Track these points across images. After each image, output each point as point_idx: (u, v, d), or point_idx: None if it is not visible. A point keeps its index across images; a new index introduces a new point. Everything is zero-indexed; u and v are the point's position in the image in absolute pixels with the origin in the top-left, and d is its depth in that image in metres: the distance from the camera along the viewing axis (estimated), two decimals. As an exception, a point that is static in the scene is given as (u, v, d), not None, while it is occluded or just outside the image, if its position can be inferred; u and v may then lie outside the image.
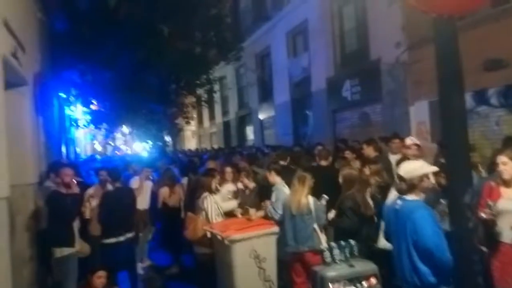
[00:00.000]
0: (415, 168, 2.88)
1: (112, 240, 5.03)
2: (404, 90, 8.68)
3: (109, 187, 5.38)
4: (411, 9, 7.58)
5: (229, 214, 5.33)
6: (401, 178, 2.91)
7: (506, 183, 3.24)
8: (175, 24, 9.83)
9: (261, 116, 17.09)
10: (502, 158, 3.21)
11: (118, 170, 5.55)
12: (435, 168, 3.01)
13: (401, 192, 2.91)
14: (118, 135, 24.33)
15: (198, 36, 10.83)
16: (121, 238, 5.07)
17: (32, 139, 5.30)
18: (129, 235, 5.18)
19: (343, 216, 4.16)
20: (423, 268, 2.68)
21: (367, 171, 4.83)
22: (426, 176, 2.85)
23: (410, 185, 2.83)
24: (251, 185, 5.69)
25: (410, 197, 2.86)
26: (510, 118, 6.69)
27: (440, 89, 2.10)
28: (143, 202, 6.45)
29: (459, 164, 2.06)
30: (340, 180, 4.39)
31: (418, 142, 5.69)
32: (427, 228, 2.60)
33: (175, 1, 9.57)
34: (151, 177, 7.06)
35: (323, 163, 5.86)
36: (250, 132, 19.11)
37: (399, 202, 2.92)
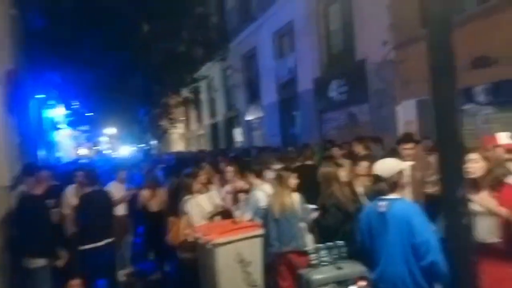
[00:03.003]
0: (392, 165, 2.78)
1: (90, 245, 4.79)
2: (391, 90, 8.62)
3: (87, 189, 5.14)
4: (398, 7, 7.50)
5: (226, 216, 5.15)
6: (378, 178, 2.78)
7: (475, 183, 3.09)
8: (159, 23, 9.63)
9: (249, 117, 16.94)
10: (473, 156, 3.07)
11: (95, 172, 5.30)
12: (410, 164, 2.93)
13: (383, 192, 2.77)
14: (103, 138, 23.90)
15: (184, 35, 10.63)
16: (100, 243, 4.84)
17: (4, 140, 5.03)
18: (108, 240, 4.93)
19: (327, 213, 4.04)
20: (419, 273, 2.56)
21: (360, 169, 4.73)
22: (403, 172, 2.75)
23: (391, 184, 2.71)
24: (246, 186, 5.51)
25: (393, 195, 2.73)
26: (498, 116, 6.65)
27: (433, 86, 1.99)
28: (120, 207, 6.21)
29: (451, 159, 1.93)
30: (319, 178, 4.27)
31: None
32: (424, 228, 2.48)
33: (159, 0, 9.39)
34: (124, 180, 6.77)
35: (308, 162, 5.76)
36: (238, 134, 18.94)
37: (382, 203, 2.75)
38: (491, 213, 3.02)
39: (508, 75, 6.20)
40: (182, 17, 10.02)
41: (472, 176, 3.08)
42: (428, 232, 2.47)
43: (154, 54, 9.99)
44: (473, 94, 6.99)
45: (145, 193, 6.30)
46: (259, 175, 4.91)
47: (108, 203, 5.13)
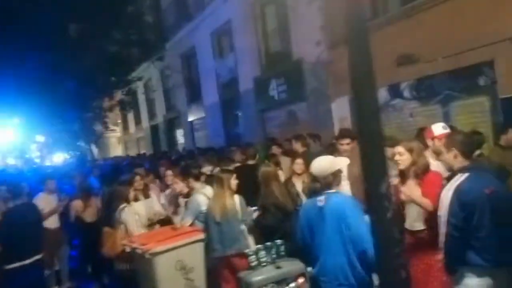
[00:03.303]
0: (327, 165, 2.85)
1: (16, 264, 4.40)
2: (326, 88, 8.91)
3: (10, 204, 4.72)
4: (329, 8, 7.75)
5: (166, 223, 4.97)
6: (314, 177, 2.85)
7: (403, 174, 3.30)
8: (88, 23, 9.10)
9: (191, 118, 16.64)
10: (398, 149, 3.27)
11: (19, 185, 4.88)
12: (346, 160, 3.04)
13: (319, 192, 2.85)
14: (32, 146, 22.15)
15: (115, 35, 10.12)
16: (27, 261, 4.46)
17: None
18: (37, 257, 4.56)
19: (267, 213, 4.07)
20: (358, 264, 2.69)
21: (296, 166, 4.85)
22: (339, 171, 2.82)
23: (325, 184, 2.79)
24: (185, 190, 5.36)
25: (331, 190, 2.81)
26: (422, 110, 7.14)
27: (353, 85, 2.06)
28: (52, 219, 5.78)
29: (373, 155, 2.00)
30: (259, 178, 4.30)
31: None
32: (359, 220, 2.61)
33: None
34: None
35: (250, 162, 5.76)
36: (180, 135, 18.53)
37: (321, 198, 2.83)
38: (414, 203, 3.22)
39: (429, 71, 6.68)
40: (113, 16, 9.52)
41: (400, 167, 3.28)
42: (362, 224, 2.57)
43: (84, 56, 9.40)
44: (400, 90, 7.45)
45: (77, 204, 5.94)
46: (197, 178, 4.80)
47: (35, 217, 4.74)
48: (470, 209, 2.46)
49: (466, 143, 2.73)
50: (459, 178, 2.59)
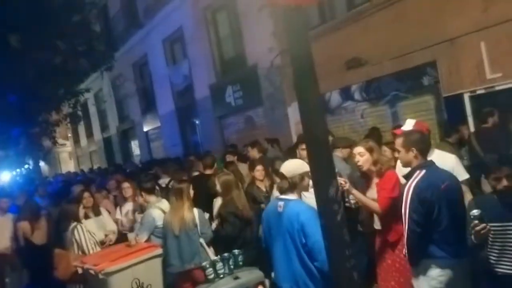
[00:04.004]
0: (296, 166, 2.85)
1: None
2: (281, 93, 9.00)
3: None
4: (279, 15, 7.82)
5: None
6: (282, 176, 2.85)
7: (365, 175, 3.36)
8: (30, 33, 8.58)
9: (146, 128, 16.20)
10: (358, 149, 3.30)
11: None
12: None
13: (282, 191, 2.84)
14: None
15: (61, 45, 9.62)
16: None
17: None
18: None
19: (225, 223, 3.99)
20: (316, 272, 2.64)
21: (257, 173, 4.82)
22: (306, 174, 2.80)
23: (291, 184, 2.79)
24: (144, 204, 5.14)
25: (290, 196, 2.79)
26: (372, 111, 7.40)
27: (297, 91, 2.06)
28: (3, 241, 5.37)
29: (321, 159, 2.00)
30: (218, 187, 4.21)
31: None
32: (315, 230, 2.52)
33: (27, 8, 8.35)
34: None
35: (208, 171, 5.64)
36: (135, 147, 17.96)
37: (280, 203, 2.81)
38: (364, 206, 3.27)
39: (376, 73, 6.93)
40: (57, 25, 9.04)
41: (362, 169, 3.29)
42: (318, 234, 2.53)
43: (26, 68, 8.84)
44: (350, 93, 7.67)
45: (25, 226, 5.52)
46: (151, 191, 4.63)
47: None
48: (430, 205, 2.57)
49: (424, 142, 2.83)
50: (417, 176, 2.68)
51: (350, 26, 7.12)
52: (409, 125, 3.30)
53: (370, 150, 3.26)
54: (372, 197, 3.23)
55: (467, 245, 2.63)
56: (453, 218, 2.59)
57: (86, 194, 5.07)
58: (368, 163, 3.25)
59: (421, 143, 2.79)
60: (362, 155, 3.26)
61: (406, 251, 2.72)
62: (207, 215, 4.44)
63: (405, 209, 2.65)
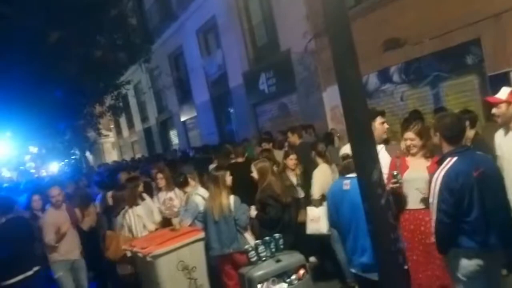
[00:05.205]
0: None
1: (8, 282, 4.31)
2: (315, 78, 8.90)
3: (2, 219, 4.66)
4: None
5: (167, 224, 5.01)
6: (347, 156, 2.96)
7: (413, 156, 3.33)
8: (71, 29, 8.97)
9: (183, 118, 16.59)
10: (409, 135, 3.26)
11: (8, 199, 4.83)
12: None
13: (350, 169, 2.92)
14: (26, 157, 21.99)
15: (100, 40, 10.00)
16: (18, 278, 4.36)
17: None
18: (29, 273, 4.47)
19: (268, 207, 4.07)
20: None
21: (290, 162, 4.89)
22: None
23: None
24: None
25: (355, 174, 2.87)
26: (412, 93, 7.16)
27: (337, 75, 2.05)
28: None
29: (363, 144, 2.00)
30: (255, 174, 4.29)
31: None
32: None
33: (67, 5, 8.71)
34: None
35: (239, 159, 5.75)
36: (174, 136, 18.47)
37: (346, 182, 2.93)
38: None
39: (416, 54, 6.69)
40: (96, 21, 9.39)
41: (413, 152, 3.25)
42: None
43: (69, 63, 9.28)
44: (389, 75, 7.45)
45: (76, 212, 5.88)
46: (183, 185, 4.94)
47: (26, 231, 4.63)
48: (459, 194, 2.46)
49: (449, 127, 2.65)
50: (447, 164, 2.57)
51: (387, 6, 6.88)
52: (503, 93, 3.20)
53: (419, 135, 3.24)
54: (412, 177, 3.18)
55: (508, 234, 2.50)
56: (487, 206, 2.47)
57: (159, 176, 5.46)
58: (417, 148, 3.23)
59: (445, 129, 2.65)
60: (412, 140, 3.22)
61: (435, 240, 2.66)
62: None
63: (433, 199, 2.56)
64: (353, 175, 2.72)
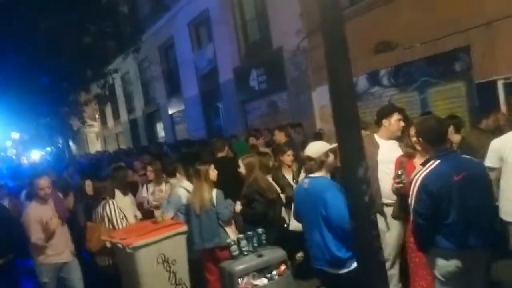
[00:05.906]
0: (319, 146, 3.04)
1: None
2: (306, 77, 8.90)
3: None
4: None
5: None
6: (309, 158, 3.00)
7: (419, 154, 3.29)
8: (61, 16, 8.77)
9: (171, 111, 16.42)
10: (413, 131, 3.26)
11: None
12: (335, 145, 3.05)
13: (311, 170, 2.99)
14: (7, 143, 21.46)
15: (90, 28, 9.80)
16: None
17: None
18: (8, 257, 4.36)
19: (253, 202, 4.04)
20: (333, 243, 2.78)
21: (287, 158, 4.83)
22: (330, 151, 2.95)
23: (319, 163, 2.94)
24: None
25: (317, 174, 2.95)
26: (400, 97, 7.21)
27: (330, 73, 2.04)
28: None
29: (350, 140, 1.99)
30: (243, 170, 4.25)
31: None
32: (339, 204, 2.67)
33: None
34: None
35: (220, 154, 5.69)
36: (160, 129, 18.28)
37: (306, 181, 2.99)
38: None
39: (406, 58, 6.74)
40: (86, 8, 9.21)
41: (419, 147, 3.23)
42: (341, 205, 2.59)
43: (58, 50, 9.09)
44: (378, 77, 7.50)
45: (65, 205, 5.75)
46: (172, 174, 4.84)
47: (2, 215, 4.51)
48: (437, 198, 2.45)
49: (429, 131, 2.65)
50: (429, 167, 2.56)
51: (380, 8, 6.91)
52: None
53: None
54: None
55: (489, 234, 2.53)
56: (469, 208, 2.46)
57: (149, 168, 5.41)
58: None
59: (426, 133, 2.65)
60: (414, 137, 3.16)
61: (414, 240, 2.72)
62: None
63: (411, 200, 2.57)
64: (314, 175, 2.95)
